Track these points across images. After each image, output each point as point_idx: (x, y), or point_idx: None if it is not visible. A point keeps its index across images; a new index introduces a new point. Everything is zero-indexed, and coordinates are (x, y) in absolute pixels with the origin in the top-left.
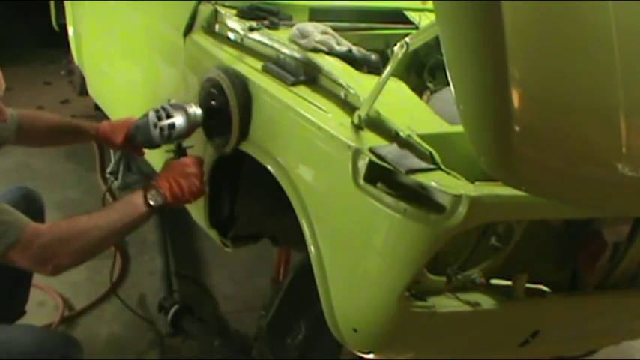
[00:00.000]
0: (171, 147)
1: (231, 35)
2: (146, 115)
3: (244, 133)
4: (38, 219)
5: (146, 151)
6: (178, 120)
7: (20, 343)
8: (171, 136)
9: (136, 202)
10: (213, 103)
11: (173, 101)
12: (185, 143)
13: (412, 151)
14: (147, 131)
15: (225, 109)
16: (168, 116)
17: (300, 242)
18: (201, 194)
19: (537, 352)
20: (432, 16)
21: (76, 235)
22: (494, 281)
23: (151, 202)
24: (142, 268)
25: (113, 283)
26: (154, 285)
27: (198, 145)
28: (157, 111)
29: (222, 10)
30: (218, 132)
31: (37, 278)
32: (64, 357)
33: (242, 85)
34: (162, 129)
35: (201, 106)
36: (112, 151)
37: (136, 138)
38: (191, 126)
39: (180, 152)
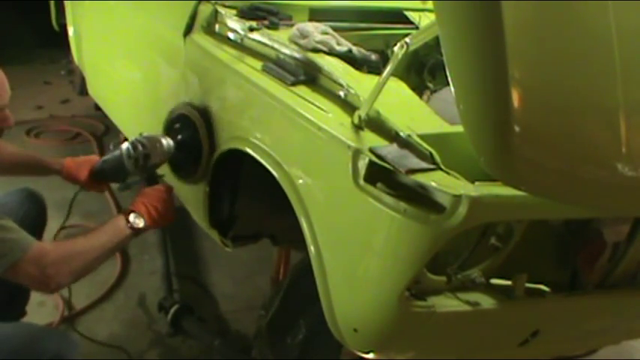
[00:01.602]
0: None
1: (231, 35)
2: (118, 149)
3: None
4: (41, 219)
5: None
6: (153, 151)
7: (14, 340)
8: (145, 166)
9: (120, 225)
10: (180, 137)
11: (145, 134)
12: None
13: (412, 151)
14: (119, 163)
15: (197, 142)
16: (143, 147)
17: (300, 242)
18: (173, 218)
19: (537, 352)
20: (432, 16)
21: (76, 255)
22: (494, 281)
23: (133, 225)
24: (142, 268)
25: (112, 285)
26: (154, 285)
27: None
28: (132, 143)
29: (222, 10)
30: (187, 163)
31: None
32: (58, 354)
33: (209, 119)
34: (137, 159)
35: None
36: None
37: (103, 172)
38: (164, 156)
39: (153, 181)
